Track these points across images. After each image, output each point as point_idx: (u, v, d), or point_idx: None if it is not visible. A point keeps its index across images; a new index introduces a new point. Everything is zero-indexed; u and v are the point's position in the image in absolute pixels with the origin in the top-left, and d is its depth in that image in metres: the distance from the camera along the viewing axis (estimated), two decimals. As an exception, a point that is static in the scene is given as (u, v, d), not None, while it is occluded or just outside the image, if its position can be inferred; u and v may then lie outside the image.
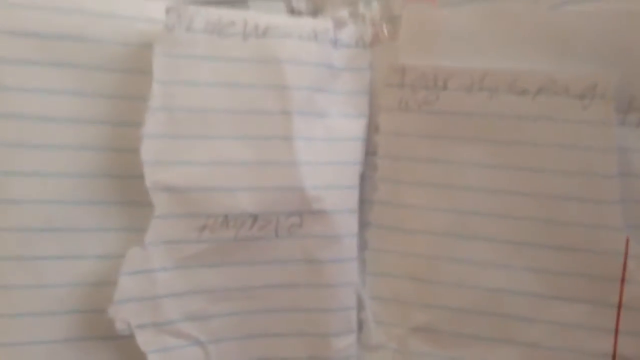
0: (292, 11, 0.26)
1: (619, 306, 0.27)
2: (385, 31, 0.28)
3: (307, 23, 0.25)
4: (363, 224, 0.29)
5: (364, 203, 0.29)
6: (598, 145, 0.26)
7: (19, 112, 0.23)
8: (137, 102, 0.24)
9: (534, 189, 0.27)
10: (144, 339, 0.25)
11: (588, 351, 0.27)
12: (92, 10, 0.24)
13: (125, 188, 0.25)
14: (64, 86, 0.23)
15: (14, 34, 0.22)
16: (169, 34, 0.24)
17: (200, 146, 0.24)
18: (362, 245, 0.29)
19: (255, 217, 0.25)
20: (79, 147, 0.24)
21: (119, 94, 0.25)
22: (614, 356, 0.26)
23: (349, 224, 0.27)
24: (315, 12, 0.27)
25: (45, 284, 0.26)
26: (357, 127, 0.27)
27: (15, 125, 0.23)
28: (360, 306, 0.28)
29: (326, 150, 0.26)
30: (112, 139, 0.24)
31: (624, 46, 0.27)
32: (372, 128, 0.28)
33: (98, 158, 0.24)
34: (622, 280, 0.27)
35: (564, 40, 0.27)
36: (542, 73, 0.27)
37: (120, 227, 0.25)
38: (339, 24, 0.26)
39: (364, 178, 0.28)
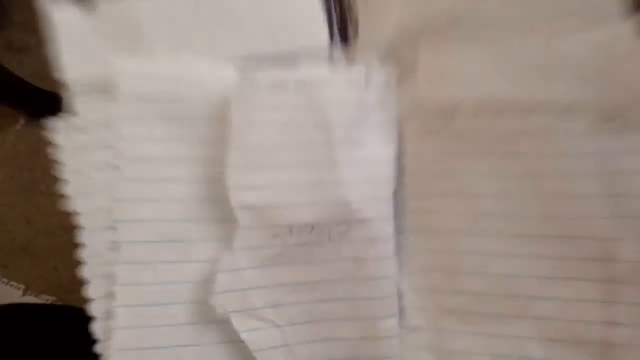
0: (329, 59, 0.32)
1: (612, 282, 0.32)
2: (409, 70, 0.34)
3: (342, 73, 0.31)
4: (399, 230, 0.35)
5: (398, 213, 0.35)
6: (582, 151, 0.32)
7: (145, 155, 0.32)
8: (223, 144, 0.33)
9: (533, 191, 0.33)
10: (237, 322, 0.32)
11: (589, 320, 0.32)
12: (189, 79, 0.33)
13: (219, 209, 0.33)
14: (174, 134, 0.32)
15: (141, 98, 0.32)
16: (242, 91, 0.31)
17: (268, 173, 0.32)
18: (399, 248, 0.34)
19: (312, 227, 0.32)
20: (186, 179, 0.33)
21: (212, 138, 0.33)
22: (611, 323, 0.31)
23: (385, 229, 0.33)
24: (351, 61, 0.34)
25: (164, 281, 0.35)
26: (388, 152, 0.32)
27: (142, 165, 0.32)
28: (400, 296, 0.34)
29: (364, 172, 0.32)
30: (208, 172, 0.32)
31: (604, 67, 0.32)
32: (401, 151, 0.34)
33: (199, 187, 0.33)
34: (613, 260, 0.32)
35: (554, 67, 0.33)
36: (534, 97, 0.32)
37: (217, 238, 0.33)
38: (368, 71, 0.33)
39: (397, 193, 0.34)
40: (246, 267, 0.32)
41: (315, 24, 0.32)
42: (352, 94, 0.32)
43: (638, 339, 0.31)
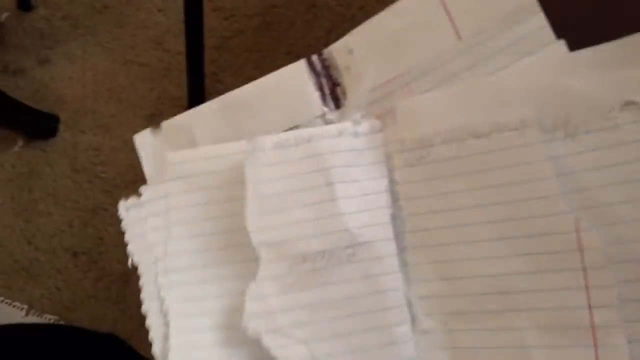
0: (326, 122, 0.39)
1: (584, 269, 0.35)
2: (388, 118, 0.39)
3: (334, 127, 0.38)
4: (401, 248, 0.38)
5: (399, 234, 0.38)
6: (539, 158, 0.35)
7: (186, 218, 0.39)
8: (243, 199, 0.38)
9: (505, 199, 0.36)
10: (267, 341, 0.35)
11: (574, 306, 0.34)
12: (213, 156, 0.40)
13: (245, 251, 0.38)
14: (207, 199, 0.39)
15: (182, 177, 0.40)
16: (252, 153, 0.38)
17: (280, 215, 0.37)
18: (404, 263, 0.38)
19: (323, 253, 0.36)
20: (217, 231, 0.39)
21: (234, 196, 0.38)
22: (589, 307, 0.34)
23: (388, 247, 0.36)
24: (342, 118, 0.39)
25: (202, 313, 0.37)
26: (380, 184, 0.37)
27: (184, 226, 0.39)
28: (409, 304, 0.37)
29: (362, 203, 0.37)
30: (234, 223, 0.38)
31: (544, 87, 0.36)
32: (394, 181, 0.38)
33: (228, 236, 0.39)
34: (581, 249, 0.35)
35: (504, 93, 0.36)
36: (490, 121, 0.36)
37: (244, 275, 0.37)
38: (355, 124, 0.38)
39: (396, 216, 0.38)
40: (271, 294, 0.36)
41: (308, 102, 0.40)
42: (343, 141, 0.38)
43: (616, 320, 0.33)
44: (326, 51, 0.40)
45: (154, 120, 1.06)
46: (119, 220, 1.06)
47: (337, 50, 0.40)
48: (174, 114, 1.14)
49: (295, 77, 0.40)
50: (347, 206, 0.37)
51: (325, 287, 0.36)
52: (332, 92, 0.40)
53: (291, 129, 0.39)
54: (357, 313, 0.36)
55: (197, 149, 0.40)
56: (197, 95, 1.01)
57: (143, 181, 1.15)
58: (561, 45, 0.35)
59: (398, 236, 0.37)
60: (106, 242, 0.96)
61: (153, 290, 0.38)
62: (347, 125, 0.38)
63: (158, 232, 0.39)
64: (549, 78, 0.35)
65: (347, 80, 0.40)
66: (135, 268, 1.04)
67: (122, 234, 0.97)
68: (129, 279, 0.94)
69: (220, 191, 0.39)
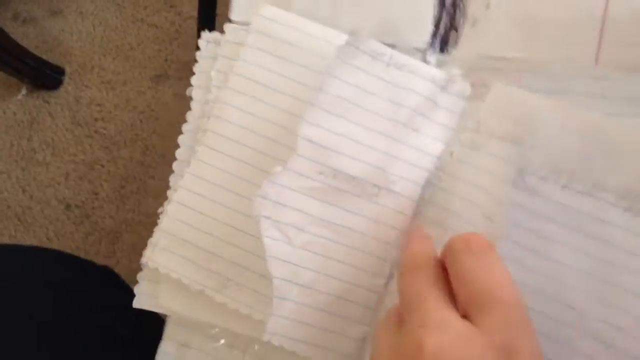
0: (425, 61, 0.37)
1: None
2: (482, 91, 0.36)
3: (430, 70, 0.36)
4: (417, 212, 0.36)
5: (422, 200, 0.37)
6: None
7: (250, 76, 0.38)
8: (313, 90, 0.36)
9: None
10: (262, 226, 0.35)
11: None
12: (308, 32, 0.38)
13: (287, 137, 0.37)
14: (280, 70, 0.38)
15: (265, 34, 0.38)
16: (345, 47, 0.36)
17: (336, 122, 0.36)
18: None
19: (353, 179, 0.36)
20: (276, 106, 0.38)
21: (308, 83, 0.38)
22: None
23: (409, 206, 0.36)
24: (440, 65, 0.37)
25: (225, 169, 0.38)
26: (435, 147, 0.37)
27: (244, 82, 0.38)
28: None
29: (410, 154, 0.36)
30: (293, 106, 0.38)
31: None
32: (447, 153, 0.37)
33: (282, 116, 0.38)
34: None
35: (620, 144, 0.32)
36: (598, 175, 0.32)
37: (274, 154, 0.37)
38: (450, 78, 0.35)
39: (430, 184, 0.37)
40: (288, 186, 0.36)
41: (419, 27, 0.38)
42: (429, 87, 0.36)
43: None
44: None
45: (159, 81, 1.06)
46: (114, 177, 1.06)
47: None
48: (181, 78, 1.13)
49: None
50: (396, 149, 0.36)
51: (335, 208, 0.36)
52: (446, 34, 0.38)
53: (385, 45, 0.37)
54: (350, 246, 0.36)
55: (294, 16, 0.38)
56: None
57: (142, 140, 1.15)
58: None
59: (419, 201, 0.36)
60: (100, 198, 0.96)
61: (191, 128, 0.38)
62: (442, 75, 0.36)
63: (220, 75, 0.38)
64: None
65: (468, 32, 0.37)
66: (126, 224, 1.04)
67: (117, 190, 0.98)
68: (120, 236, 0.95)
69: (294, 69, 0.38)
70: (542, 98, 0.34)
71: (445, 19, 0.38)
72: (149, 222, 0.95)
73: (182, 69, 1.02)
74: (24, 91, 1.06)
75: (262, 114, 0.37)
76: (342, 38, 0.36)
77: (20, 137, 1.04)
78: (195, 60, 0.39)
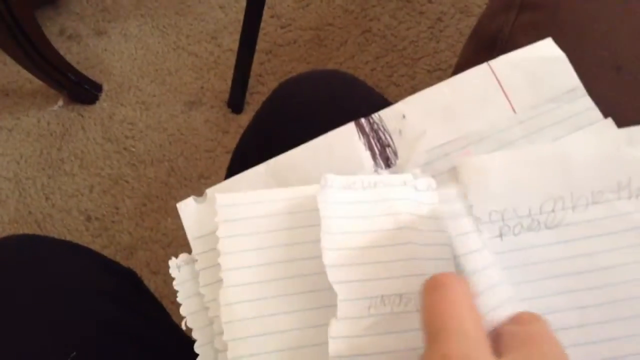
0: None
1: None
2: (445, 177, 0.39)
3: (398, 177, 0.38)
4: None
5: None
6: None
7: (240, 264, 0.37)
8: (300, 245, 0.38)
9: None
10: None
11: None
12: (269, 200, 0.39)
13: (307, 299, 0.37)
14: (262, 244, 0.38)
15: (233, 220, 0.38)
16: (323, 190, 0.36)
17: (356, 254, 0.36)
18: None
19: (400, 297, 0.35)
20: (273, 279, 0.37)
21: (290, 240, 0.38)
22: None
23: None
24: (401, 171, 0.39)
25: None
26: (442, 237, 0.37)
27: (239, 273, 0.38)
28: None
29: (430, 252, 0.36)
30: (291, 269, 0.38)
31: (606, 156, 0.36)
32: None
33: (281, 283, 0.38)
34: None
35: (567, 160, 0.36)
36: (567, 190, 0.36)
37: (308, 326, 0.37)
38: (415, 177, 0.37)
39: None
40: (351, 336, 0.35)
41: (359, 161, 0.40)
42: (405, 191, 0.37)
43: None
44: (375, 116, 0.40)
45: (192, 107, 1.09)
46: (137, 194, 1.08)
47: (387, 116, 0.40)
48: (213, 106, 1.16)
49: (344, 138, 0.40)
50: (418, 252, 0.36)
51: (404, 333, 0.35)
52: (382, 152, 0.40)
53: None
54: None
55: (248, 192, 0.39)
56: (239, 91, 1.03)
57: (169, 161, 1.17)
58: (610, 122, 0.38)
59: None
60: (121, 213, 0.98)
61: (209, 354, 0.37)
62: (409, 176, 0.37)
63: (211, 287, 0.37)
64: (608, 148, 0.36)
65: (398, 142, 0.40)
66: (142, 241, 1.06)
67: (138, 207, 0.99)
68: (135, 252, 0.95)
69: (276, 235, 0.38)
70: (498, 155, 0.36)
71: (373, 142, 0.40)
72: (166, 241, 0.96)
73: (215, 98, 1.05)
74: (60, 103, 1.09)
75: (267, 294, 0.37)
76: (306, 190, 0.38)
77: (50, 146, 1.06)
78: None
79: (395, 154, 0.40)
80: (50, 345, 0.38)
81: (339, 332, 0.34)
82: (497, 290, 0.34)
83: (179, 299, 0.37)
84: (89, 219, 0.99)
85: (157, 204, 0.98)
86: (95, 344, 0.39)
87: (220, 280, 0.36)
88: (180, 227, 1.11)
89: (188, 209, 0.40)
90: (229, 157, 1.06)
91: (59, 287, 0.41)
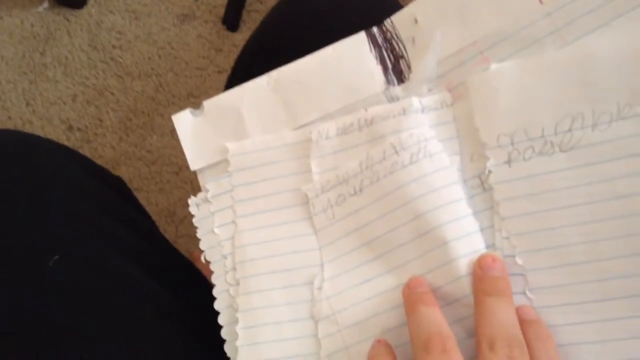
0: (391, 99, 0.36)
1: None
2: (461, 90, 0.34)
3: (396, 105, 0.35)
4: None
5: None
6: None
7: (252, 210, 0.38)
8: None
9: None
10: (320, 328, 0.35)
11: None
12: (277, 146, 0.38)
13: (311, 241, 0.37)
14: (272, 190, 0.38)
15: (245, 168, 0.39)
16: (316, 144, 0.37)
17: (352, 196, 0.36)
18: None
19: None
20: (283, 223, 0.38)
21: (296, 189, 0.37)
22: None
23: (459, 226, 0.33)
24: (406, 94, 0.35)
25: (272, 305, 0.37)
26: (452, 160, 0.34)
27: (252, 218, 0.38)
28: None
29: (438, 179, 0.34)
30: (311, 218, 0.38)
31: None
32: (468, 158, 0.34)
33: (295, 227, 0.38)
34: None
35: (593, 62, 0.32)
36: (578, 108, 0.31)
37: (314, 264, 0.37)
38: (422, 98, 0.35)
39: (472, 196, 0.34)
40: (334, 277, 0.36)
41: (369, 76, 0.37)
42: (407, 120, 0.35)
43: None
44: (387, 22, 0.37)
45: (185, 20, 1.04)
46: (122, 107, 1.04)
47: (399, 21, 0.37)
48: (207, 21, 1.10)
49: (354, 50, 0.37)
50: (414, 191, 0.34)
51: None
52: (395, 65, 0.37)
53: (351, 109, 0.37)
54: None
55: (257, 139, 0.38)
56: (235, 7, 0.97)
57: (157, 76, 1.13)
58: None
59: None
60: (104, 126, 0.94)
61: (223, 286, 0.38)
62: (412, 101, 0.35)
63: (225, 227, 0.38)
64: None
65: (412, 53, 0.37)
66: (126, 157, 1.03)
67: (122, 122, 0.96)
68: (118, 167, 0.93)
69: (285, 181, 0.38)
70: (512, 65, 0.33)
71: (386, 54, 0.37)
72: (150, 158, 0.93)
73: (210, 13, 0.99)
74: (46, 4, 1.03)
75: (275, 236, 0.38)
76: (306, 132, 0.37)
77: (33, 50, 1.01)
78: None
79: (409, 66, 0.36)
80: (32, 244, 0.36)
81: (333, 273, 0.35)
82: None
83: (198, 235, 0.39)
84: (70, 128, 0.95)
85: (142, 119, 0.95)
86: (79, 249, 0.37)
87: (232, 222, 0.38)
88: (166, 146, 1.08)
89: (184, 121, 0.39)
90: (220, 76, 1.02)
91: (43, 185, 0.39)
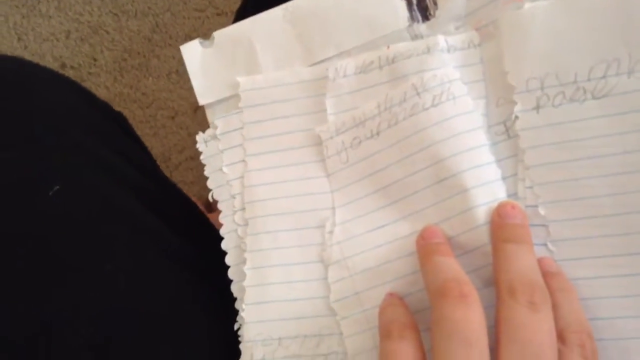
0: (415, 37, 0.34)
1: None
2: (491, 30, 0.33)
3: (421, 43, 0.33)
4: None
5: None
6: None
7: (264, 149, 0.37)
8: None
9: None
10: (331, 273, 0.34)
11: None
12: (291, 83, 0.37)
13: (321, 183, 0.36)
14: (283, 129, 0.36)
15: (257, 105, 0.37)
16: (333, 82, 0.35)
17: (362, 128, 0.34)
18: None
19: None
20: (292, 164, 0.37)
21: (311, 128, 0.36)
22: None
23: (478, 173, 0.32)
24: (430, 32, 0.34)
25: (280, 246, 0.36)
26: (477, 104, 0.33)
27: (262, 157, 0.37)
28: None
29: (461, 124, 0.32)
30: (305, 158, 0.37)
31: None
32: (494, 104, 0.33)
33: (303, 167, 0.37)
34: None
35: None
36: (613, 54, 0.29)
37: (323, 208, 0.36)
38: (448, 38, 0.33)
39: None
40: (345, 220, 0.35)
41: (392, 12, 0.35)
42: (431, 59, 0.33)
43: None
44: None
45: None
46: (117, 47, 1.01)
47: None
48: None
49: None
50: (434, 135, 0.32)
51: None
52: (420, 0, 0.35)
53: (371, 47, 0.35)
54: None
55: (270, 74, 0.36)
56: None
57: (154, 16, 1.09)
58: None
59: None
60: (98, 65, 0.91)
61: (231, 226, 0.37)
62: (437, 39, 0.33)
63: (234, 166, 0.37)
64: None
65: None
66: (120, 98, 1.00)
67: (117, 61, 0.93)
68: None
69: (298, 120, 0.36)
70: (547, 5, 0.30)
71: None
72: (145, 101, 0.90)
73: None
74: None
75: (296, 176, 0.36)
76: (322, 69, 0.35)
77: (26, -18, 0.97)
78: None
79: (435, 2, 0.34)
80: (32, 173, 0.35)
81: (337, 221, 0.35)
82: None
83: (206, 173, 0.38)
84: (63, 66, 0.92)
85: (138, 60, 0.92)
86: (79, 179, 0.36)
87: (241, 161, 0.37)
88: (161, 89, 1.05)
89: (192, 52, 0.37)
90: (219, 19, 0.99)
91: (44, 114, 0.37)
